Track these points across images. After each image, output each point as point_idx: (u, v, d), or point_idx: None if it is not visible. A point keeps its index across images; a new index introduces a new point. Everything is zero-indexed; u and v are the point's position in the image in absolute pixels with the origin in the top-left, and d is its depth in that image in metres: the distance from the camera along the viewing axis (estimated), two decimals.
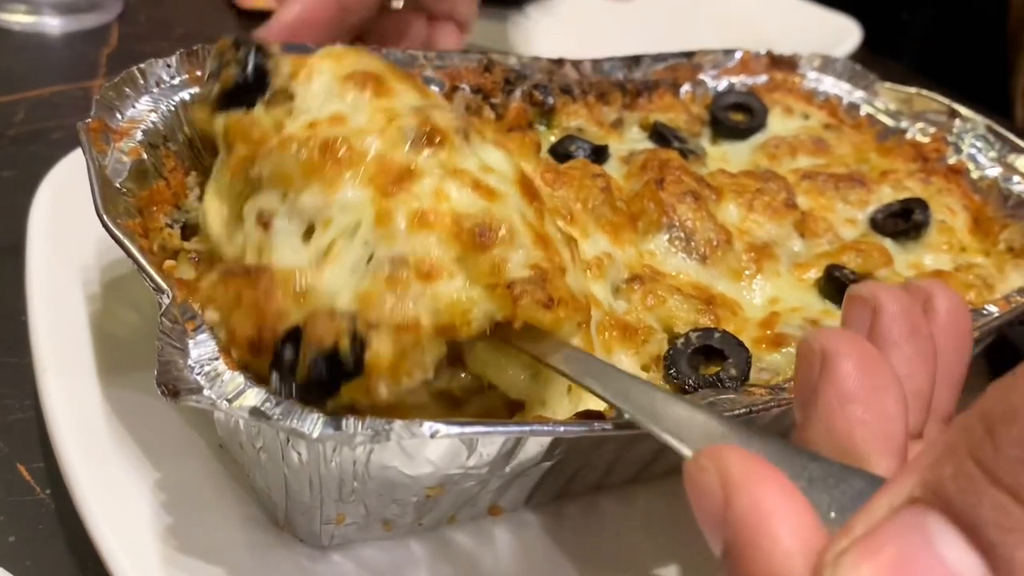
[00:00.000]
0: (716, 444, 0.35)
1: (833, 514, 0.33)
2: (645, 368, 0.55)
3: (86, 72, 1.01)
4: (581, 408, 0.51)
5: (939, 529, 0.28)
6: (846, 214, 0.71)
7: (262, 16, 1.19)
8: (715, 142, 0.81)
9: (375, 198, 0.47)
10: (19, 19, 1.08)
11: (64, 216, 0.65)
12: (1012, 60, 1.40)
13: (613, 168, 0.69)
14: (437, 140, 0.49)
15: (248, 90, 0.52)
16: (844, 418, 0.37)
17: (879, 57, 1.28)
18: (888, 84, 0.84)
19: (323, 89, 0.52)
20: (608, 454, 0.54)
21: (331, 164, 0.48)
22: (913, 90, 0.82)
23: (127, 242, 0.45)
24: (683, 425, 0.39)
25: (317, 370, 0.42)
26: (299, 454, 0.44)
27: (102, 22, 1.11)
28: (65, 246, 0.64)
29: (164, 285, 0.44)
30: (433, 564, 0.52)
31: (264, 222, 0.49)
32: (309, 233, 0.48)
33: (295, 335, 0.43)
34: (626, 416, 0.42)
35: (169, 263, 0.53)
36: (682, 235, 0.62)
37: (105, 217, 0.47)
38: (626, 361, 0.55)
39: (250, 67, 0.52)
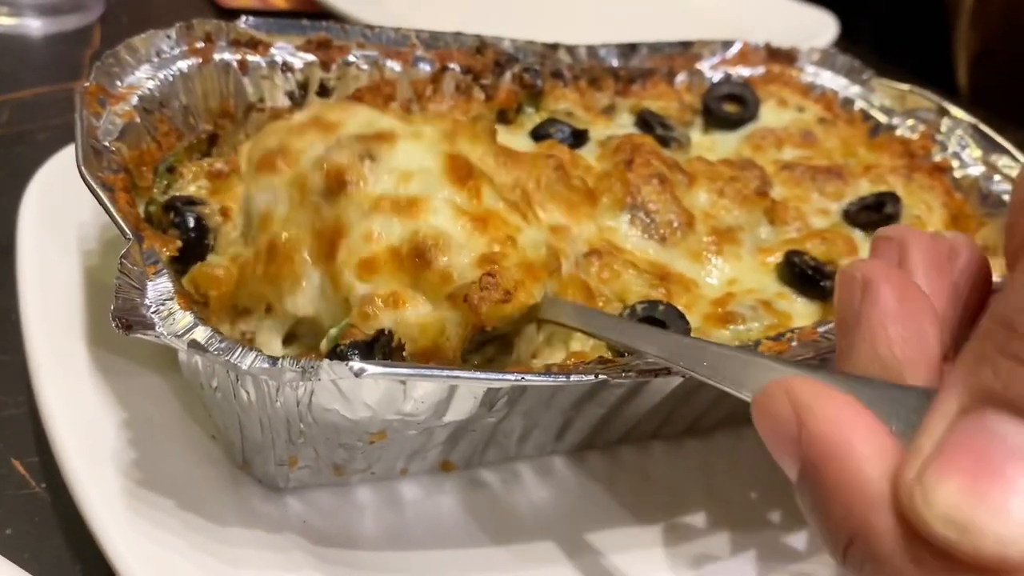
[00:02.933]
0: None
1: (894, 427, 0.34)
2: None
3: (69, 73, 1.03)
4: None
5: (1001, 423, 0.31)
6: (820, 205, 0.72)
7: (233, 14, 1.23)
8: (706, 131, 0.83)
9: (323, 273, 0.54)
10: (0, 20, 1.10)
11: (54, 213, 0.68)
12: (952, 24, 1.40)
13: (590, 151, 0.71)
14: (342, 183, 0.53)
15: (196, 244, 0.57)
16: (887, 338, 0.39)
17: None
18: (884, 80, 0.85)
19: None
20: (559, 416, 0.57)
21: (282, 264, 0.54)
22: (906, 87, 0.83)
23: (98, 189, 0.49)
24: (740, 372, 0.41)
25: None
26: (247, 393, 0.48)
27: (84, 23, 1.13)
28: (55, 243, 0.66)
29: (128, 230, 0.47)
30: (379, 511, 0.56)
31: (250, 339, 0.56)
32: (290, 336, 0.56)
33: None
34: (678, 369, 0.45)
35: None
36: (643, 215, 0.64)
37: (83, 168, 0.51)
38: None
39: (191, 225, 0.57)
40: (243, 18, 0.68)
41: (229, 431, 0.53)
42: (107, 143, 0.57)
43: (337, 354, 0.50)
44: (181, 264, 0.54)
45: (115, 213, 0.48)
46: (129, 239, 0.47)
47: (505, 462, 0.60)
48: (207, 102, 0.67)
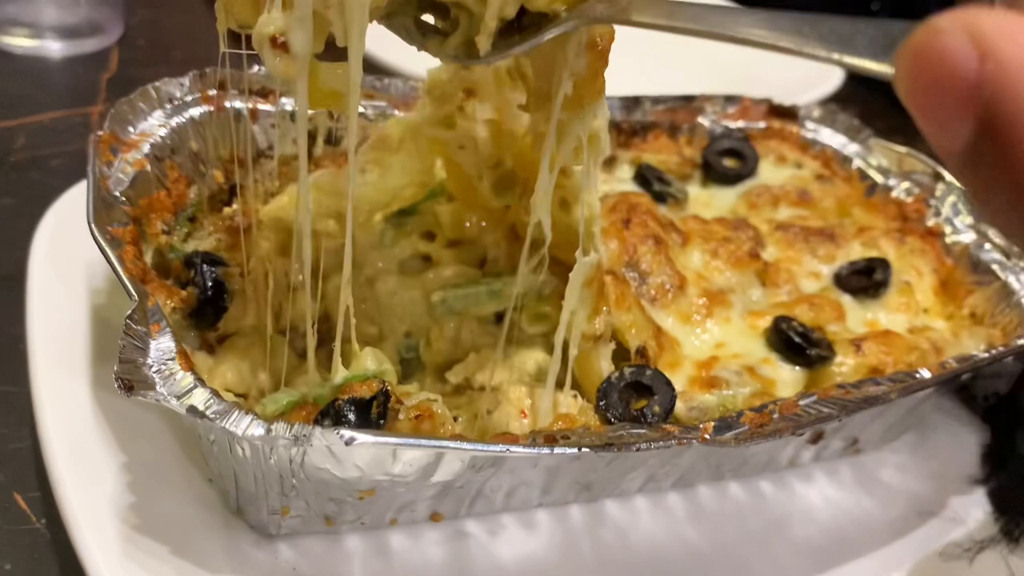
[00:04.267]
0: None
1: None
2: (585, 340, 0.59)
3: (86, 98, 1.05)
4: None
5: None
6: (811, 267, 0.73)
7: (245, 40, 1.25)
8: (705, 185, 0.84)
9: None
10: (21, 42, 1.11)
11: (65, 249, 0.70)
12: None
13: None
14: None
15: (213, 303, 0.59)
16: None
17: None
18: (882, 141, 0.86)
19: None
20: (543, 475, 0.58)
21: None
22: (904, 150, 0.85)
23: (107, 249, 0.51)
24: (853, 36, 0.34)
25: None
26: (243, 449, 0.50)
27: (102, 46, 1.15)
28: (64, 279, 0.68)
29: (133, 291, 0.49)
30: (367, 559, 0.57)
31: None
32: None
33: None
34: (784, 46, 0.37)
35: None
36: (636, 275, 0.66)
37: (93, 225, 0.53)
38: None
39: (209, 282, 0.59)
40: (256, 68, 0.70)
41: (224, 479, 0.55)
42: (118, 193, 0.59)
43: (335, 409, 0.52)
44: (195, 318, 0.57)
45: (122, 274, 0.50)
46: (134, 300, 0.49)
47: (491, 514, 0.62)
48: (217, 149, 0.69)
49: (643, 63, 1.29)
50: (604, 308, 0.59)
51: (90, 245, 0.70)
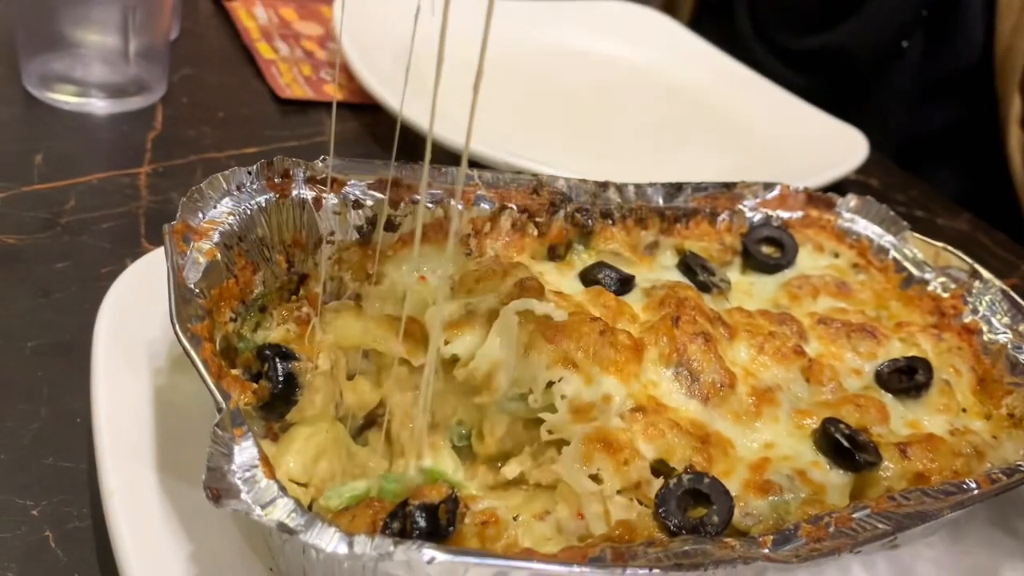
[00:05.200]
0: None
1: None
2: (625, 492, 0.60)
3: (132, 158, 1.07)
4: None
5: None
6: (854, 364, 0.75)
7: (300, 104, 1.28)
8: (744, 272, 0.86)
9: None
10: (68, 99, 1.13)
11: (129, 324, 0.71)
12: (1001, 88, 1.45)
13: (636, 299, 0.75)
14: None
15: (284, 397, 0.61)
16: None
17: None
18: (918, 236, 0.88)
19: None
20: None
21: None
22: (940, 244, 0.87)
23: (193, 353, 0.53)
24: None
25: None
26: (316, 552, 0.51)
27: (147, 104, 1.17)
28: (129, 355, 0.69)
29: (220, 399, 0.51)
30: None
31: None
32: None
33: None
34: None
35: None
36: (688, 374, 0.68)
37: (177, 326, 0.54)
38: (607, 479, 0.60)
39: (280, 376, 0.61)
40: (321, 158, 0.72)
41: (292, 574, 0.56)
42: (192, 285, 0.60)
43: (404, 513, 0.53)
44: (265, 410, 0.58)
45: (208, 380, 0.52)
46: (221, 407, 0.50)
47: None
48: (281, 234, 0.70)
49: (681, 147, 1.32)
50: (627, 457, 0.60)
51: (152, 323, 0.72)
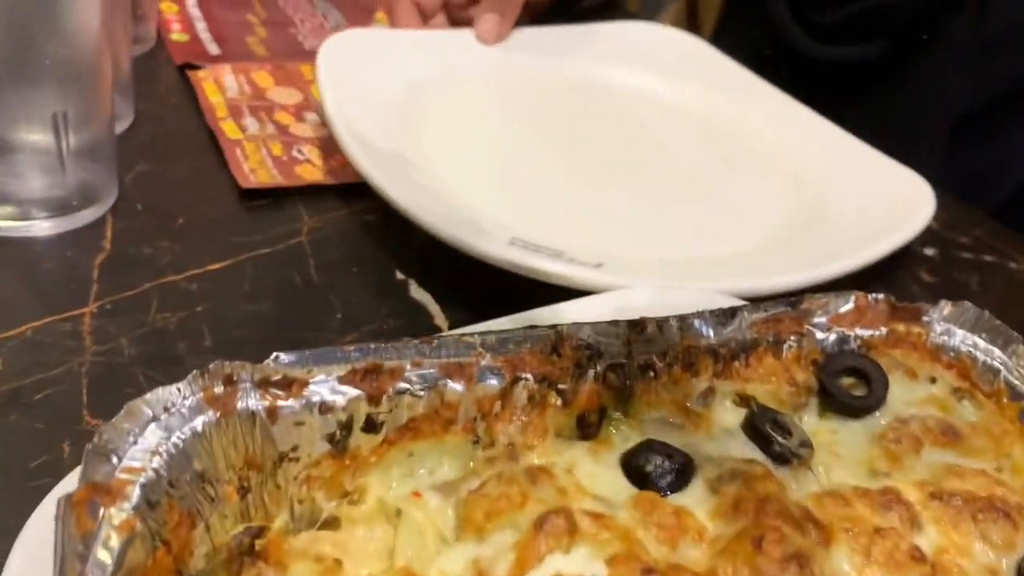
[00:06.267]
0: None
1: None
2: None
3: (75, 294, 0.90)
4: None
5: None
6: (985, 560, 0.58)
7: (273, 195, 1.11)
8: (823, 416, 0.69)
9: None
10: (2, 223, 0.95)
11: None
12: None
13: (699, 497, 0.58)
14: None
15: None
16: None
17: None
18: None
19: None
20: None
21: None
22: None
23: None
24: None
25: None
26: None
27: (94, 217, 1.01)
28: None
29: None
30: None
31: None
32: None
33: None
34: None
35: None
36: None
37: None
38: None
39: None
40: (273, 356, 0.55)
41: None
42: None
43: None
44: None
45: None
46: None
47: None
48: (227, 458, 0.54)
49: (725, 196, 1.16)
50: None
51: None
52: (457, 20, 1.46)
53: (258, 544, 0.51)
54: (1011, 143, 1.43)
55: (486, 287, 0.97)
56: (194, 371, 0.53)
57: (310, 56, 1.37)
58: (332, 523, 0.57)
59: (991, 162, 1.41)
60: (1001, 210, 1.35)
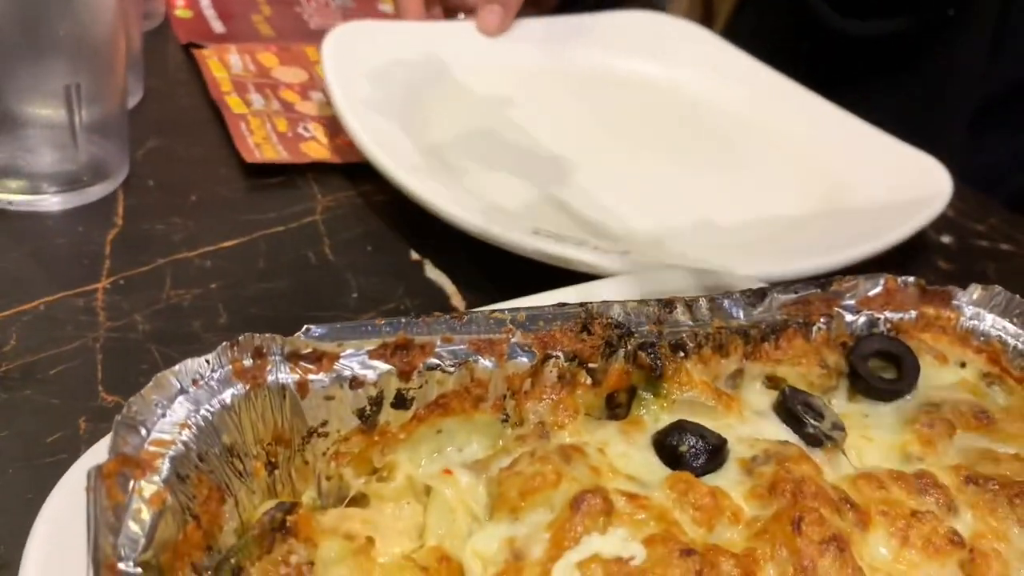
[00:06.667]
0: None
1: None
2: None
3: (88, 270, 0.88)
4: None
5: None
6: (1022, 544, 0.57)
7: (274, 171, 1.09)
8: (852, 399, 0.68)
9: None
10: (13, 197, 0.94)
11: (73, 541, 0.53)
12: None
13: (733, 479, 0.57)
14: None
15: None
16: None
17: None
18: None
19: None
20: None
21: None
22: None
23: None
24: None
25: None
26: None
27: (106, 193, 0.99)
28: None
29: None
30: None
31: None
32: None
33: None
34: None
35: None
36: None
37: None
38: None
39: None
40: (304, 328, 0.54)
41: None
42: (132, 563, 0.43)
43: None
44: None
45: None
46: None
47: None
48: (256, 432, 0.53)
49: (743, 187, 1.14)
50: None
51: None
52: (458, 10, 1.44)
53: (289, 520, 0.49)
54: None
55: (501, 268, 0.96)
56: (224, 343, 0.52)
57: (315, 36, 1.36)
58: (360, 500, 0.56)
59: (1010, 152, 1.40)
60: (1018, 199, 1.34)
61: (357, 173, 1.11)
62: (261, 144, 1.13)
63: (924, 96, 1.42)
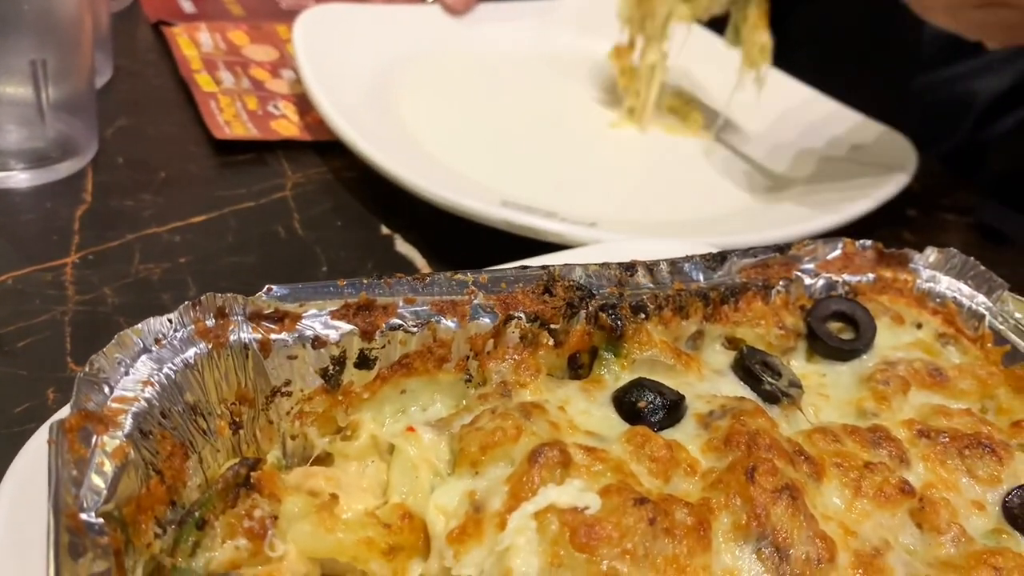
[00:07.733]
0: None
1: None
2: None
3: (57, 245, 0.89)
4: None
5: None
6: (973, 495, 0.58)
7: (255, 149, 1.10)
8: (811, 359, 0.70)
9: None
10: None
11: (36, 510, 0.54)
12: None
13: (690, 432, 0.58)
14: None
15: None
16: None
17: None
18: (1017, 296, 0.72)
19: None
20: None
21: None
22: None
23: None
24: None
25: None
26: None
27: (75, 170, 0.99)
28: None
29: None
30: None
31: None
32: None
33: None
34: None
35: None
36: (774, 551, 0.51)
37: None
38: None
39: None
40: (266, 288, 0.54)
41: None
42: (94, 515, 0.43)
43: None
44: None
45: None
46: None
47: None
48: (219, 391, 0.53)
49: (715, 169, 1.15)
50: None
51: None
52: None
53: (253, 476, 0.50)
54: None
55: (471, 243, 0.97)
56: (185, 303, 0.52)
57: (286, 15, 1.36)
58: (325, 460, 0.56)
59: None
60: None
61: (327, 150, 1.11)
62: (231, 121, 1.13)
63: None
